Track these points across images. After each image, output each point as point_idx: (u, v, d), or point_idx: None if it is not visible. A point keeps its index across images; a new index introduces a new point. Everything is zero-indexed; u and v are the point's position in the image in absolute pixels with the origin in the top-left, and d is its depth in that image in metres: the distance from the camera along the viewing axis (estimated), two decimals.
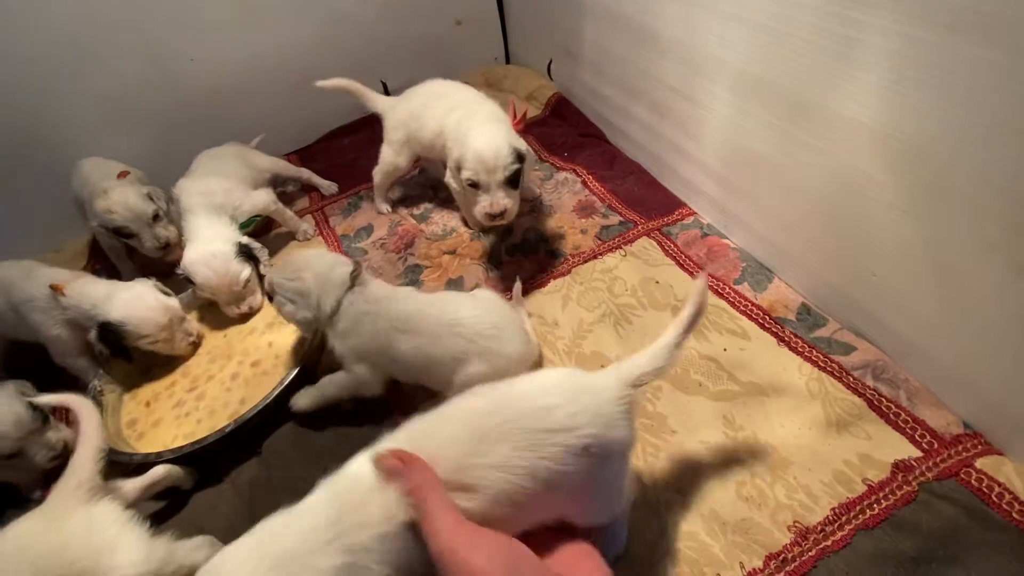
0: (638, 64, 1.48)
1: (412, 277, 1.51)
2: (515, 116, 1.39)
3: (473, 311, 1.04)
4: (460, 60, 2.24)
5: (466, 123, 1.31)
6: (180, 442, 1.16)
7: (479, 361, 1.00)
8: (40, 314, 1.27)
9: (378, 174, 1.68)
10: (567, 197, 1.63)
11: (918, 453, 0.93)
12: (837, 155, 0.98)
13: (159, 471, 1.04)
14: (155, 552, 0.81)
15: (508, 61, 2.34)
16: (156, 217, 1.46)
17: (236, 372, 1.33)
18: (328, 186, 1.90)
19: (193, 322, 1.38)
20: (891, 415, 0.98)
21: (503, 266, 1.47)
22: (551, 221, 1.57)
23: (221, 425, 1.13)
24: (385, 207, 1.75)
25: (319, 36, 1.97)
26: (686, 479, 0.97)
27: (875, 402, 1.00)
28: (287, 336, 1.38)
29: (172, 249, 1.51)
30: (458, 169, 1.27)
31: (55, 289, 1.22)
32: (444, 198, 1.75)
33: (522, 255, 1.48)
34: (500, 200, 1.22)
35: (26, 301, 1.27)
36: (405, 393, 1.17)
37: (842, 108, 0.93)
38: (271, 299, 1.14)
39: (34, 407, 1.07)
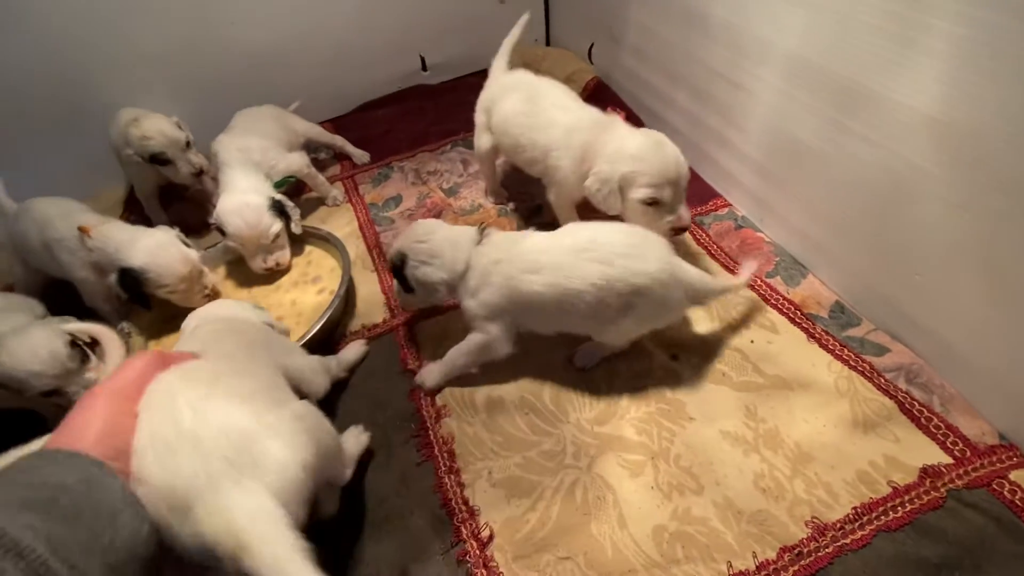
0: (684, 48, 1.45)
1: None
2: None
3: (608, 233, 0.97)
4: (499, 39, 2.21)
5: (598, 135, 1.16)
6: None
7: (621, 293, 0.93)
8: (68, 255, 1.30)
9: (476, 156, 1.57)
10: None
11: (949, 460, 0.89)
12: (890, 146, 0.94)
13: None
14: None
15: (548, 43, 2.31)
16: (188, 144, 1.51)
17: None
18: (360, 155, 1.90)
19: (210, 276, 1.38)
20: (922, 419, 0.94)
21: None
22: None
23: None
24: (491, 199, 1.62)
25: (360, 7, 1.97)
26: (701, 466, 0.95)
27: (906, 405, 0.97)
28: (311, 295, 1.39)
29: (204, 178, 1.57)
30: (619, 188, 1.11)
31: (82, 231, 1.25)
32: (474, 173, 1.74)
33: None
34: (684, 213, 1.11)
35: (57, 240, 1.30)
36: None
37: (900, 97, 0.89)
38: (397, 271, 1.10)
39: (74, 345, 1.08)
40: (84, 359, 1.09)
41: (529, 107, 1.30)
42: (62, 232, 1.29)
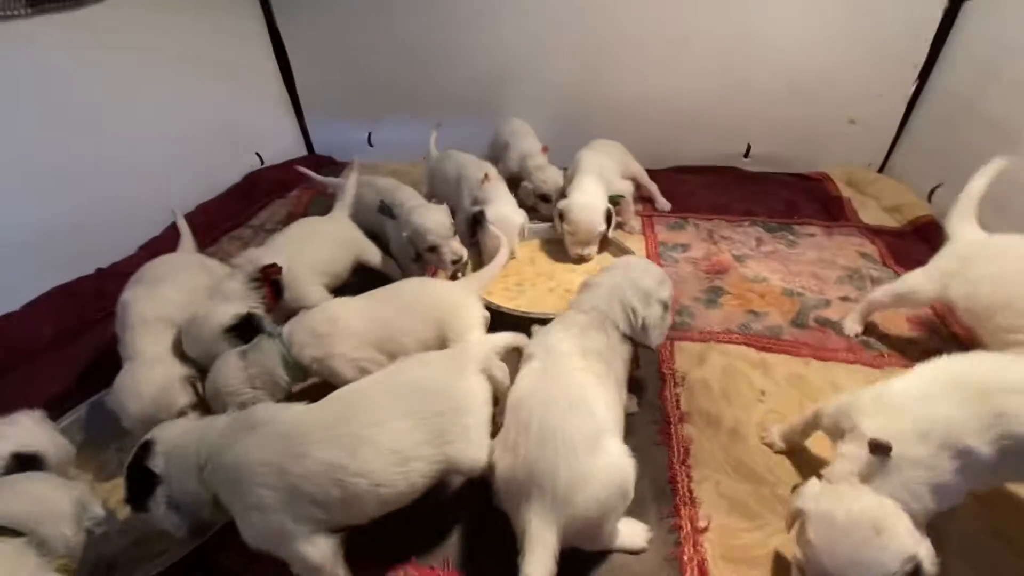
0: None
1: (711, 297, 1.66)
2: None
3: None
4: (830, 154, 2.32)
5: None
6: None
7: None
8: (468, 188, 1.82)
9: (888, 294, 1.41)
10: None
11: None
12: None
13: (520, 338, 1.12)
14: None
15: (881, 170, 2.30)
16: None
17: (551, 288, 1.68)
18: (663, 203, 2.18)
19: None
20: None
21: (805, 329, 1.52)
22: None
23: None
24: (856, 328, 1.49)
25: (714, 87, 2.29)
26: None
27: None
28: None
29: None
30: None
31: (486, 177, 1.75)
32: (766, 252, 1.86)
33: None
34: None
35: (466, 179, 1.84)
36: None
37: None
38: None
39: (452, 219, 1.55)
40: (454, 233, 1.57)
41: None
42: (470, 174, 1.83)
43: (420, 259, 1.60)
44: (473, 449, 0.92)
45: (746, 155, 2.43)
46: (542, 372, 0.94)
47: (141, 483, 0.86)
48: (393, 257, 1.75)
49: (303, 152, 2.96)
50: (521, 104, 2.43)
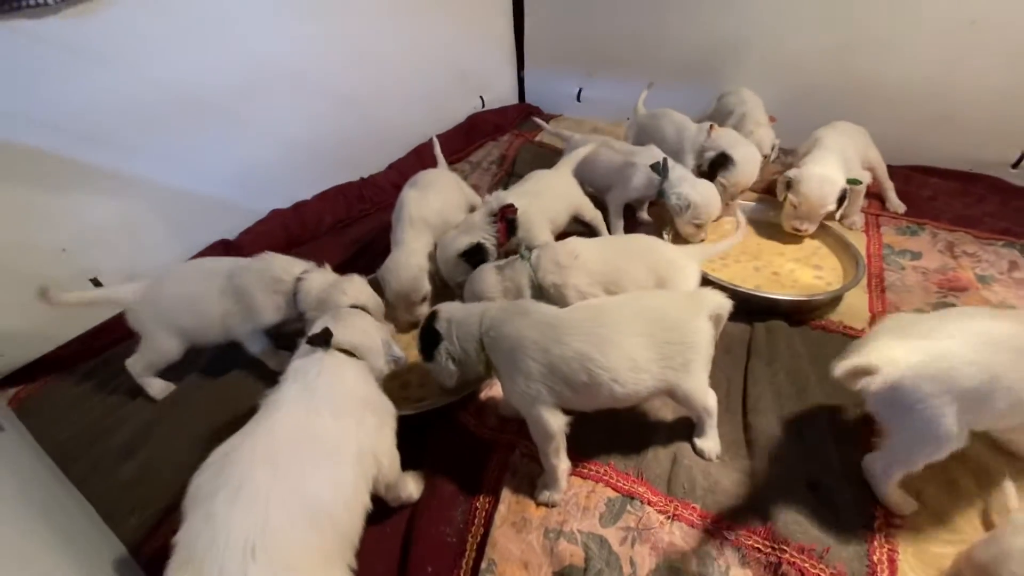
0: None
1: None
2: None
3: None
4: None
5: None
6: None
7: None
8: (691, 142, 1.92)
9: None
10: None
11: None
12: None
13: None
14: None
15: None
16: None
17: (757, 267, 1.70)
18: (897, 204, 1.99)
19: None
20: None
21: None
22: None
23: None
24: None
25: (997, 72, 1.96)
26: None
27: None
28: (808, 276, 1.66)
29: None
30: None
31: (712, 127, 1.84)
32: (1017, 279, 1.63)
33: None
34: None
35: (684, 131, 1.95)
36: None
37: None
38: None
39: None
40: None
41: None
42: (692, 127, 1.92)
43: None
44: (690, 381, 1.05)
45: (1015, 165, 2.07)
46: None
47: (430, 339, 1.14)
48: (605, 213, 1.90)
49: (515, 100, 3.20)
50: (748, 75, 2.33)
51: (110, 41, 1.52)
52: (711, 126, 1.86)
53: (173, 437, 1.34)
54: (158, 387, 1.45)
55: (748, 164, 1.78)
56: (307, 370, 0.98)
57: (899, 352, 0.94)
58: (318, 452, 0.86)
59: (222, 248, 1.89)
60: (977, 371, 0.89)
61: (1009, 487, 1.02)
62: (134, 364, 1.41)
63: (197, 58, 1.73)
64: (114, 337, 1.60)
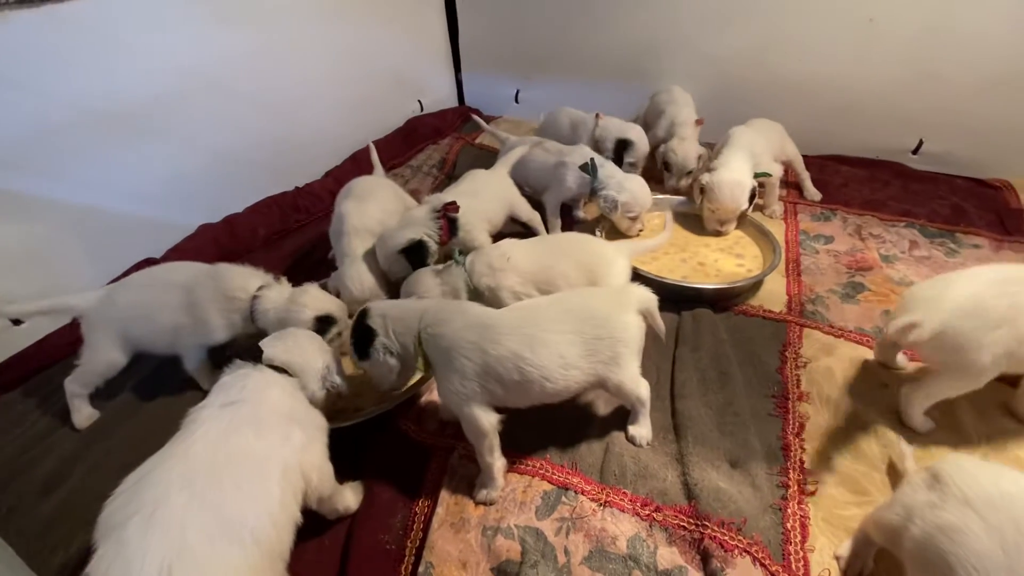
0: None
1: (848, 291, 1.65)
2: None
3: None
4: (1017, 161, 2.08)
5: None
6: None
7: None
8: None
9: None
10: None
11: None
12: None
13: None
14: None
15: None
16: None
17: (683, 259, 1.78)
18: (813, 193, 2.12)
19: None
20: None
21: None
22: None
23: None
24: None
25: (901, 74, 2.14)
26: None
27: None
28: (731, 264, 1.74)
29: None
30: None
31: (598, 116, 1.96)
32: (917, 256, 1.77)
33: None
34: None
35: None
36: None
37: None
38: None
39: None
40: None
41: None
42: (582, 120, 2.12)
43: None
44: (620, 373, 1.10)
45: (915, 151, 2.25)
46: None
47: (363, 336, 1.14)
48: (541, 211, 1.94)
49: (455, 103, 3.21)
50: (674, 75, 2.44)
51: (9, 58, 1.44)
52: (597, 115, 2.05)
53: (99, 467, 1.28)
54: (84, 415, 1.39)
55: (643, 139, 2.04)
56: (231, 386, 0.96)
57: (934, 306, 1.10)
58: (239, 470, 0.85)
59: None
60: (1003, 301, 1.06)
61: (907, 448, 1.12)
62: (72, 382, 1.36)
63: (107, 71, 1.66)
64: (34, 367, 1.53)
